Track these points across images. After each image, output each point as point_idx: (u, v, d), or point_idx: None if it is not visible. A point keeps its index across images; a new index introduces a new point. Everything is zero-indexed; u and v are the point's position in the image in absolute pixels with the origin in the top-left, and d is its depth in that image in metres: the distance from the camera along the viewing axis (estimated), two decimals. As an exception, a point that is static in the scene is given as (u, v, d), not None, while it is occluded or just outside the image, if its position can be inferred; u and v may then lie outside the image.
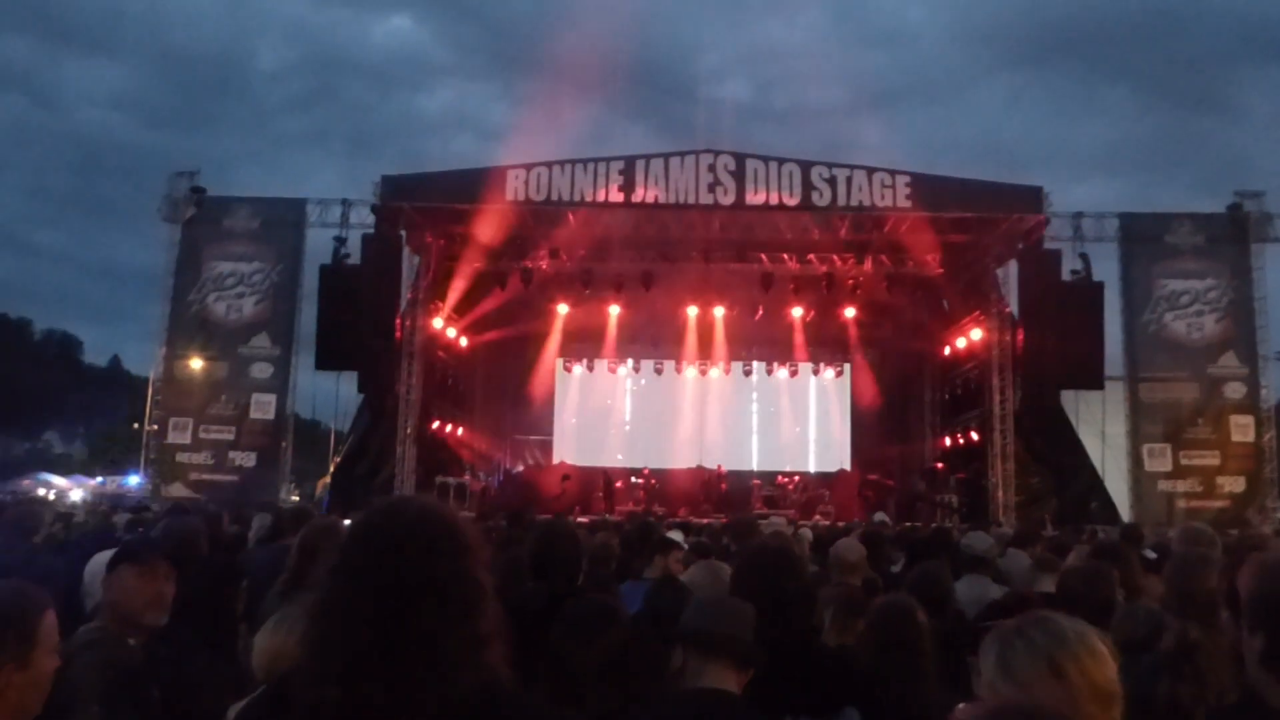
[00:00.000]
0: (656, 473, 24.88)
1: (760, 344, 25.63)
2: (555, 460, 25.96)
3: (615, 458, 25.91)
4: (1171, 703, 2.56)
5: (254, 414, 20.12)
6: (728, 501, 22.29)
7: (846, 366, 26.36)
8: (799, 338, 24.89)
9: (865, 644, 3.18)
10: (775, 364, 26.51)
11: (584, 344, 25.61)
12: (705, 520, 16.27)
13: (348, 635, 1.55)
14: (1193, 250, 20.02)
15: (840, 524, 13.40)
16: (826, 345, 25.72)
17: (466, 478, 22.13)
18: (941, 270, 21.19)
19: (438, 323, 21.52)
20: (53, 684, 2.07)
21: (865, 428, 25.78)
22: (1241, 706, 1.97)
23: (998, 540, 6.60)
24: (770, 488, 23.78)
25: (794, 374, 26.51)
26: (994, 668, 1.73)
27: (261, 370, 20.32)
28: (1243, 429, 19.47)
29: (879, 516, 16.13)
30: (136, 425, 22.20)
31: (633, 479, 24.36)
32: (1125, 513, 18.65)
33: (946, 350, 23.39)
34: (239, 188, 30.74)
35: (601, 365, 26.02)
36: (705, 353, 25.00)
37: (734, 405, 26.56)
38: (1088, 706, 1.61)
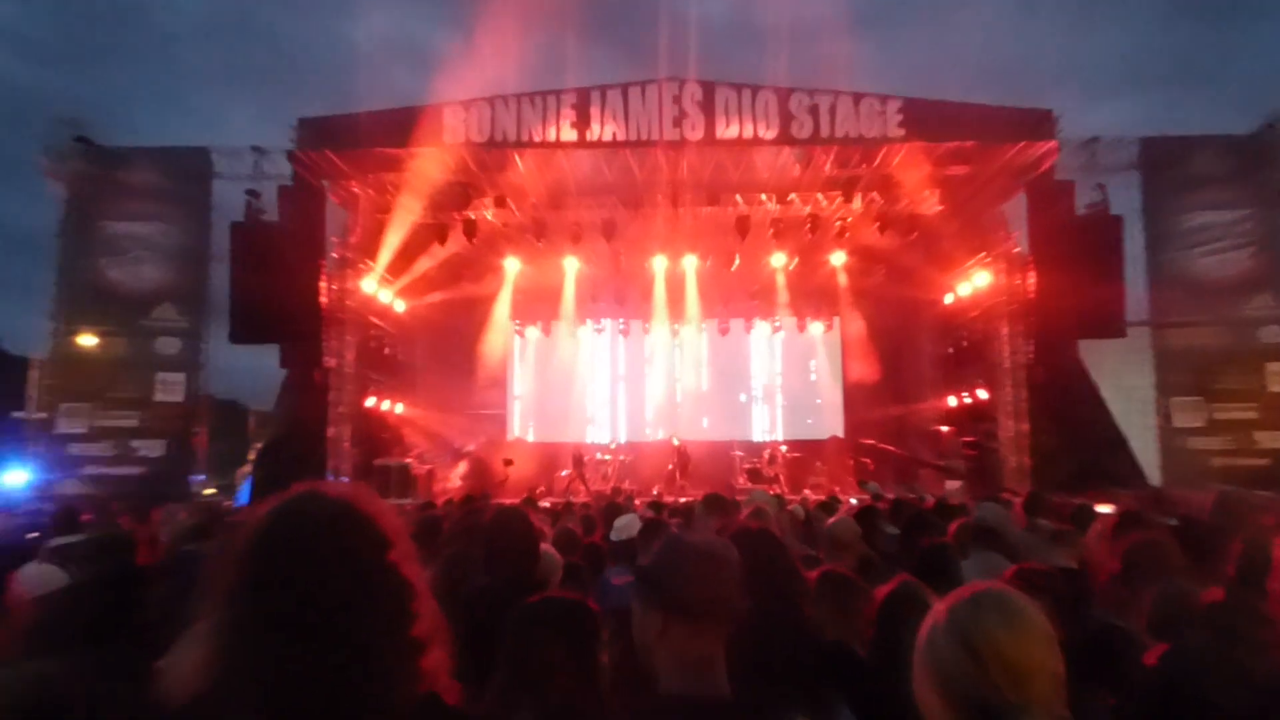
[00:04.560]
0: (625, 447, 25.03)
1: (738, 297, 25.73)
2: (510, 437, 25.99)
3: (578, 431, 26.04)
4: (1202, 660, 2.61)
5: (160, 396, 19.87)
6: (706, 477, 22.44)
7: (836, 320, 26.54)
8: (782, 289, 25.01)
9: (874, 640, 3.20)
10: (756, 319, 26.64)
11: (539, 304, 25.59)
12: (684, 499, 16.37)
13: (264, 657, 1.52)
14: (1222, 177, 20.12)
15: (833, 497, 13.50)
16: (813, 296, 25.87)
17: (410, 460, 22.14)
18: (941, 208, 21.27)
19: (370, 285, 21.38)
20: None
21: (859, 388, 25.92)
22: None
23: (1010, 509, 6.68)
24: (754, 459, 24.00)
25: (777, 330, 26.70)
26: (919, 657, 1.75)
27: (167, 345, 20.05)
28: (1281, 377, 19.72)
29: (872, 487, 16.31)
30: (19, 414, 21.82)
31: (599, 455, 24.49)
32: (1154, 475, 18.88)
33: (948, 298, 23.56)
34: (136, 134, 30.24)
35: (559, 327, 26.01)
36: (676, 309, 25.08)
37: (711, 367, 26.69)
38: (1004, 685, 1.64)
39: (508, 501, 12.14)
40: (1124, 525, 4.33)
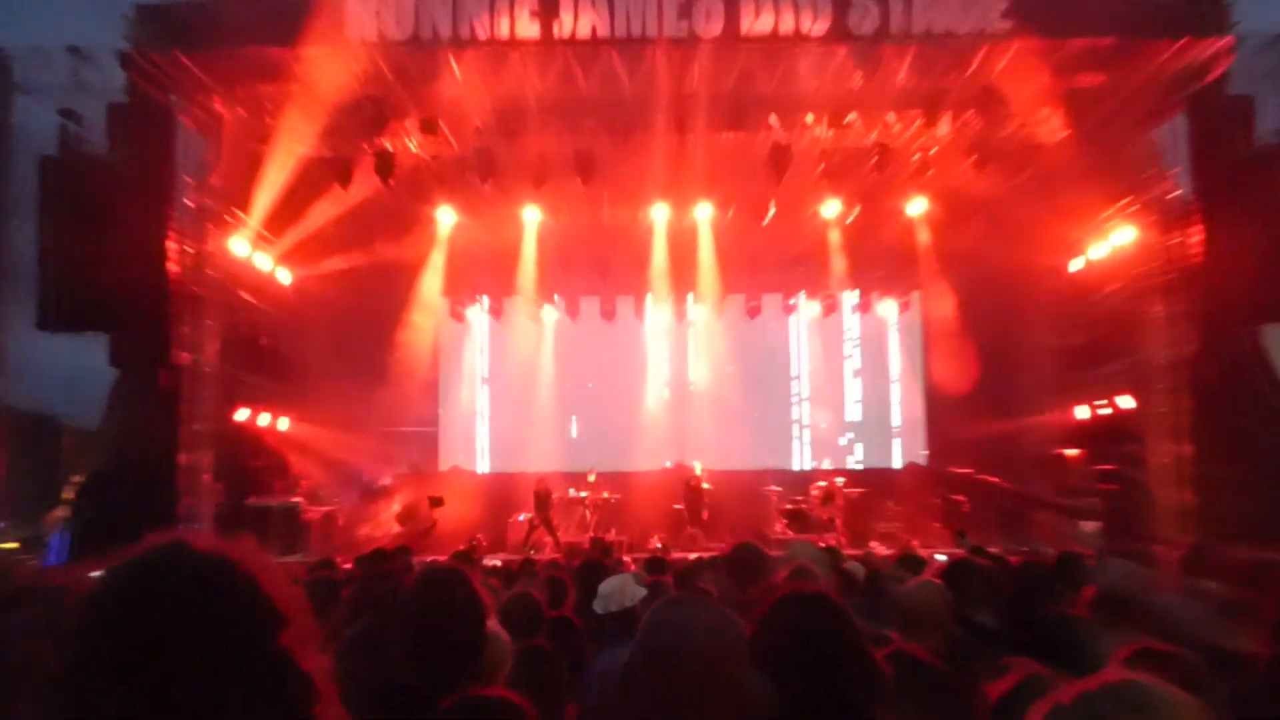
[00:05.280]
0: (610, 479, 25.10)
1: (773, 264, 25.71)
2: (443, 465, 25.96)
3: (542, 457, 26.08)
4: None
5: (-64, 408, 19.87)
6: (728, 522, 22.51)
7: (915, 296, 26.51)
8: (836, 251, 24.96)
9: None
10: (799, 295, 26.59)
11: (485, 274, 25.58)
12: (695, 555, 16.33)
13: None
14: None
15: (912, 552, 13.49)
16: (881, 262, 25.83)
17: (299, 500, 22.21)
18: (1065, 134, 21.19)
19: (241, 247, 21.38)
20: None
21: (948, 394, 25.86)
22: None
23: (1158, 568, 6.68)
24: (796, 497, 24.12)
25: (829, 311, 26.61)
26: None
27: (-53, 334, 20.01)
28: None
29: (970, 544, 16.27)
30: None
31: (572, 492, 24.58)
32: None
33: (1076, 264, 23.56)
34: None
35: (514, 308, 26.01)
36: (684, 282, 25.11)
37: (735, 365, 26.73)
38: None
39: (436, 559, 12.14)
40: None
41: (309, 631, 1.66)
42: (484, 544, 20.79)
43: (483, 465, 26.95)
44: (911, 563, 9.97)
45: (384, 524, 23.08)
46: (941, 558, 12.86)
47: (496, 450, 26.87)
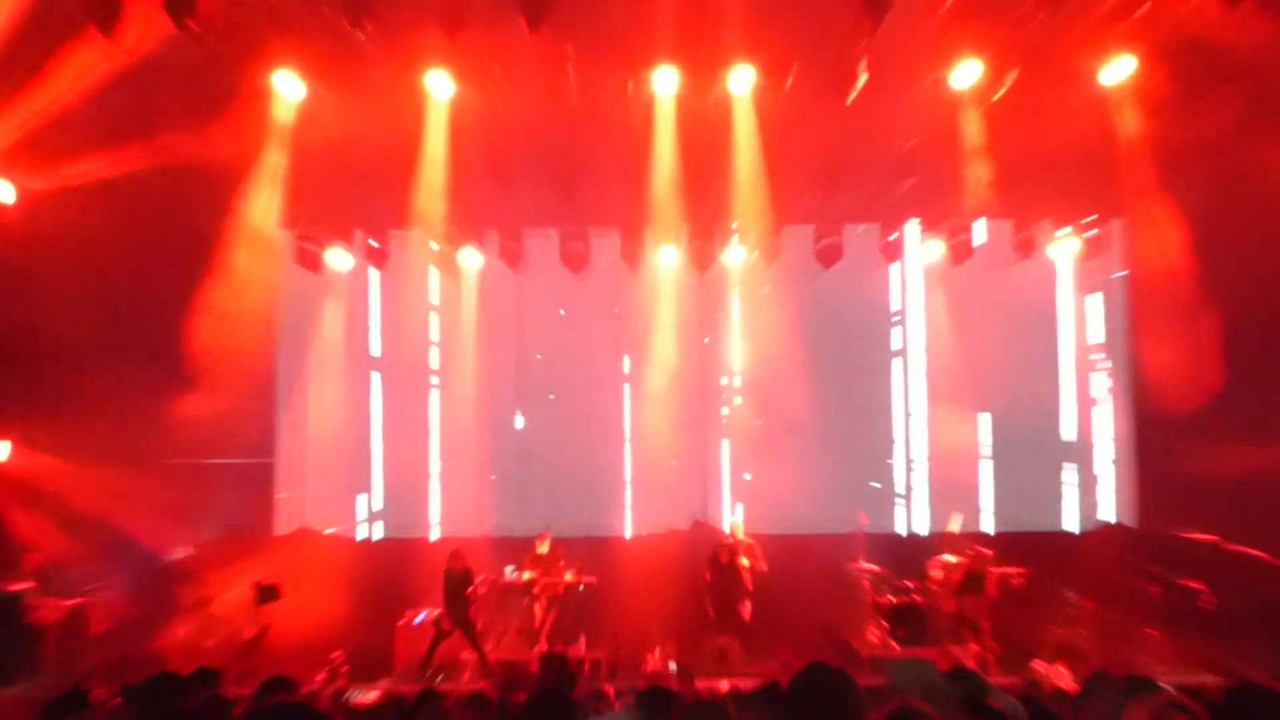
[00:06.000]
0: (580, 547, 25.24)
1: (863, 174, 25.41)
2: (286, 525, 25.83)
3: (459, 510, 26.41)
4: None
5: None
6: (786, 626, 22.33)
7: (1113, 228, 26.37)
8: (973, 153, 24.44)
9: None
10: (907, 228, 26.29)
11: (358, 191, 25.23)
12: (729, 685, 16.06)
13: None
14: None
15: (1139, 677, 12.96)
16: (1052, 171, 25.41)
17: (24, 587, 22.03)
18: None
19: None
20: None
21: (1169, 403, 25.42)
22: None
23: None
24: (906, 582, 24.13)
25: (961, 255, 26.27)
26: None
27: None
28: None
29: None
30: None
31: (510, 570, 24.67)
32: None
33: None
34: None
35: (412, 247, 26.11)
36: (705, 205, 24.85)
37: (796, 349, 26.53)
38: None
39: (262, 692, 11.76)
40: None
41: None
42: (348, 665, 20.44)
43: (356, 527, 26.51)
44: (1140, 686, 9.37)
45: (178, 629, 22.67)
46: (1167, 690, 12.29)
47: (382, 499, 26.44)
